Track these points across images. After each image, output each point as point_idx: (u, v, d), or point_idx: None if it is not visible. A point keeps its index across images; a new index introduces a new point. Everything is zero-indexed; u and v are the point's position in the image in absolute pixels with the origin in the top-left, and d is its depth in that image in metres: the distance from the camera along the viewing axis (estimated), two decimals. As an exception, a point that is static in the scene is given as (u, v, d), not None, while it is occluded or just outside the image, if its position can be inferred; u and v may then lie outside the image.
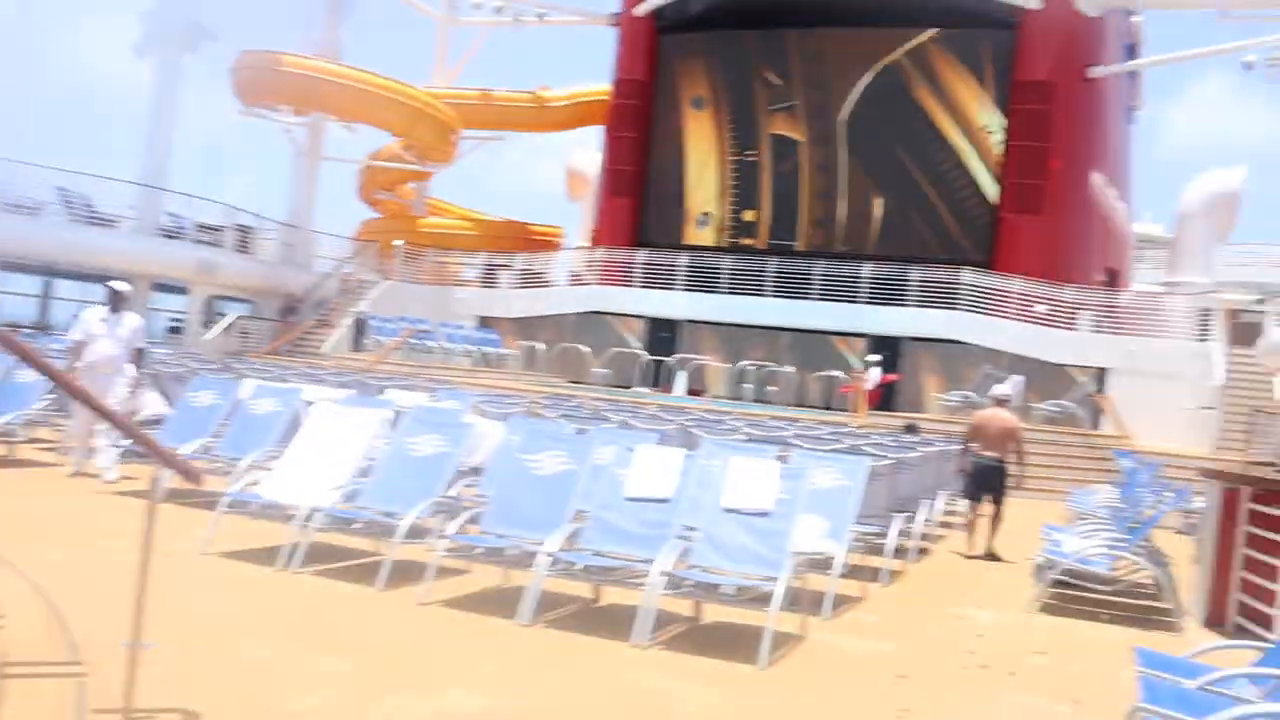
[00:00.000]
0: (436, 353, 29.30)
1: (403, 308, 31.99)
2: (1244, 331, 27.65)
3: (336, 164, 38.23)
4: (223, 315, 31.94)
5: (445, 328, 30.75)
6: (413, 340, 28.47)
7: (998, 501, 12.46)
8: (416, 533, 7.96)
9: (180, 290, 31.26)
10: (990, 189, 32.16)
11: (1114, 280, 35.82)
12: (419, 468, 8.67)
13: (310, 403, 10.85)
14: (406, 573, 7.83)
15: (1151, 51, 38.20)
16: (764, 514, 7.50)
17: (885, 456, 10.35)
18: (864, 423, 22.00)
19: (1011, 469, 12.62)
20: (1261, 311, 29.91)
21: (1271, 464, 20.12)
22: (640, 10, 35.59)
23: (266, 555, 8.15)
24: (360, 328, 31.32)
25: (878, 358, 27.10)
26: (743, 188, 34.33)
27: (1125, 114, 38.74)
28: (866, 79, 33.11)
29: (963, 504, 13.04)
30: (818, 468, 8.60)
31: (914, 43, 32.66)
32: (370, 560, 8.46)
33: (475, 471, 9.77)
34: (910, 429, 17.76)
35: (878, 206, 32.92)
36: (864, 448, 11.50)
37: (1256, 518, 9.30)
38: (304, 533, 8.03)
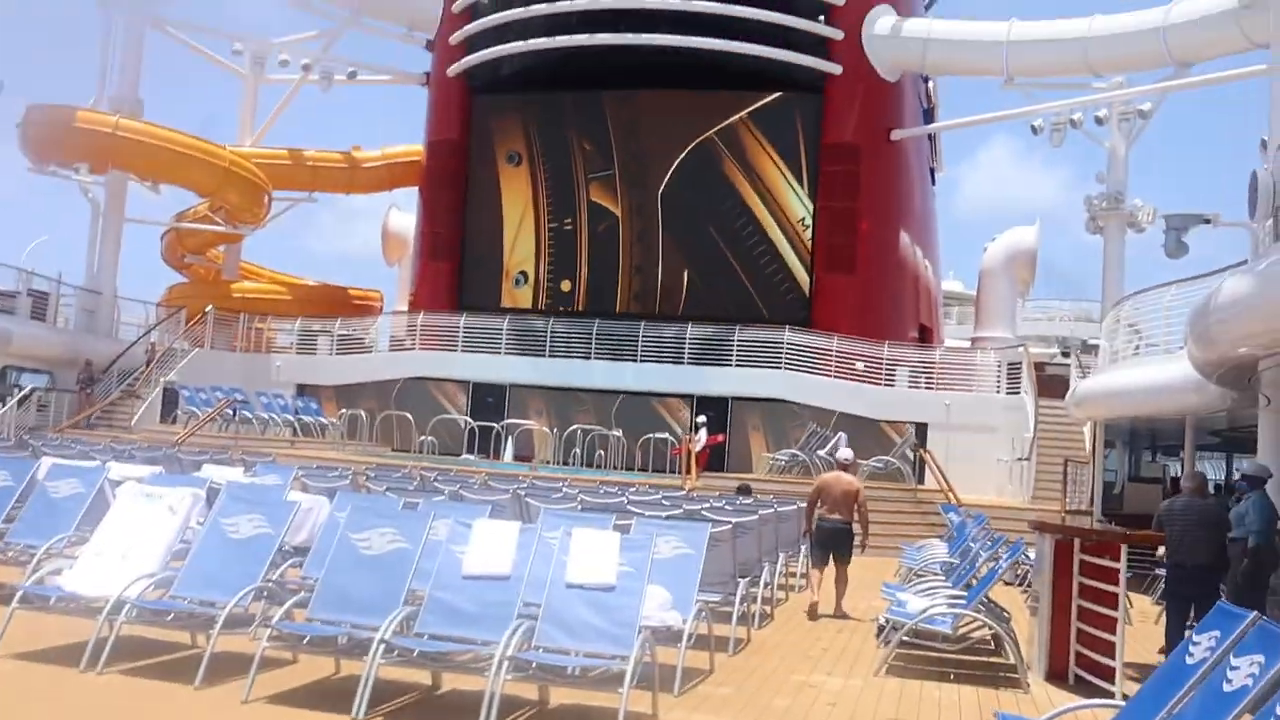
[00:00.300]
0: (254, 424, 28.06)
1: (216, 376, 30.62)
2: (1050, 384, 28.85)
3: (140, 225, 36.64)
4: (19, 388, 30.01)
5: (261, 397, 29.54)
6: (228, 411, 27.21)
7: (843, 562, 12.66)
8: (237, 622, 7.39)
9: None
10: (797, 260, 32.78)
11: (926, 336, 37.06)
12: (238, 551, 8.07)
13: (117, 481, 10.07)
14: (228, 666, 7.22)
15: (946, 116, 40.06)
16: (609, 588, 7.22)
17: (724, 521, 10.18)
18: (696, 485, 21.95)
19: (856, 530, 12.82)
20: (1065, 364, 31.34)
21: (1088, 512, 20.88)
22: (452, 71, 35.34)
23: (69, 654, 7.42)
24: (170, 398, 29.82)
25: (704, 419, 27.21)
26: (559, 256, 34.05)
27: (927, 175, 40.36)
28: (681, 155, 33.39)
29: (803, 564, 13.05)
30: (659, 537, 8.36)
31: (725, 122, 33.17)
32: (187, 654, 7.83)
33: (299, 552, 9.20)
34: (743, 490, 17.74)
35: (696, 276, 33.17)
36: (702, 512, 11.33)
37: (1088, 569, 9.46)
38: (111, 627, 7.32)
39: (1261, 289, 9.03)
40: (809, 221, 32.51)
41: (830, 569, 12.70)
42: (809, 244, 32.57)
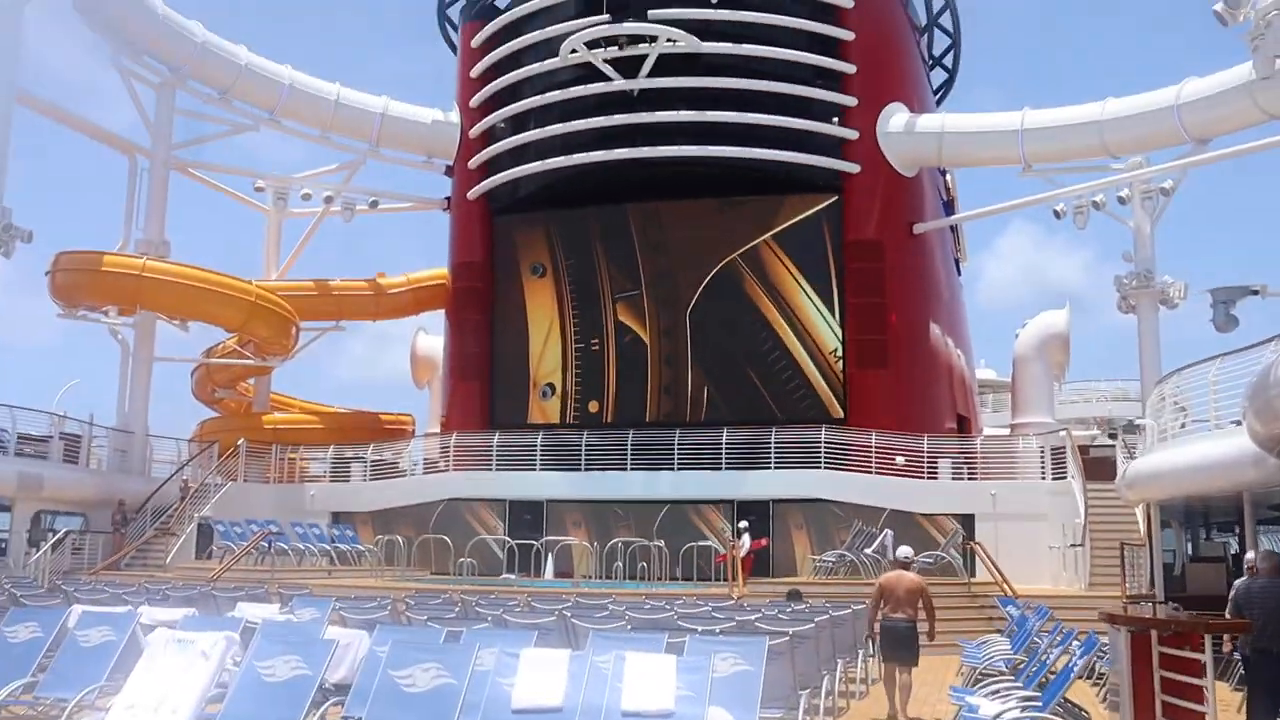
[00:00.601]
0: (289, 555, 27.73)
1: (250, 509, 30.43)
2: (1096, 467, 28.22)
3: (170, 364, 36.78)
4: (53, 532, 29.86)
5: (297, 527, 29.26)
6: (263, 544, 26.92)
7: (910, 665, 12.42)
8: (277, 772, 6.96)
9: (3, 507, 29.14)
10: (826, 386, 32.51)
11: (964, 426, 36.55)
12: (276, 694, 7.71)
13: (150, 626, 9.76)
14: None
15: (966, 206, 40.11)
16: (668, 715, 6.80)
17: (780, 631, 9.73)
18: (744, 593, 21.38)
19: (921, 628, 12.63)
20: (1110, 445, 30.73)
21: (1149, 596, 20.16)
22: (473, 194, 35.70)
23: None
24: (205, 534, 29.59)
25: (746, 524, 26.70)
26: (586, 376, 33.81)
27: (952, 266, 40.21)
28: (708, 277, 33.30)
29: (862, 669, 12.57)
30: (715, 654, 7.94)
31: (751, 244, 33.16)
32: (224, 809, 7.38)
33: (340, 690, 8.80)
34: (794, 596, 17.22)
35: (725, 393, 32.85)
36: (755, 623, 10.87)
37: (1168, 661, 8.95)
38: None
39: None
40: (840, 353, 32.19)
41: (902, 672, 12.47)
42: (841, 376, 32.24)
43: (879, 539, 26.48)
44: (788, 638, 9.30)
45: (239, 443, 32.99)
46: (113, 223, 37.10)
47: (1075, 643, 10.32)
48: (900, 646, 12.44)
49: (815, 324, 32.62)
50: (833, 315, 32.43)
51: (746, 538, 25.81)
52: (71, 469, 30.11)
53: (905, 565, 13.41)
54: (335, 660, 8.79)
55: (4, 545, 29.43)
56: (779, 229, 33.10)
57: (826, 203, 32.93)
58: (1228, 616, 12.85)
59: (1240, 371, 17.04)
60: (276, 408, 39.28)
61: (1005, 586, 21.87)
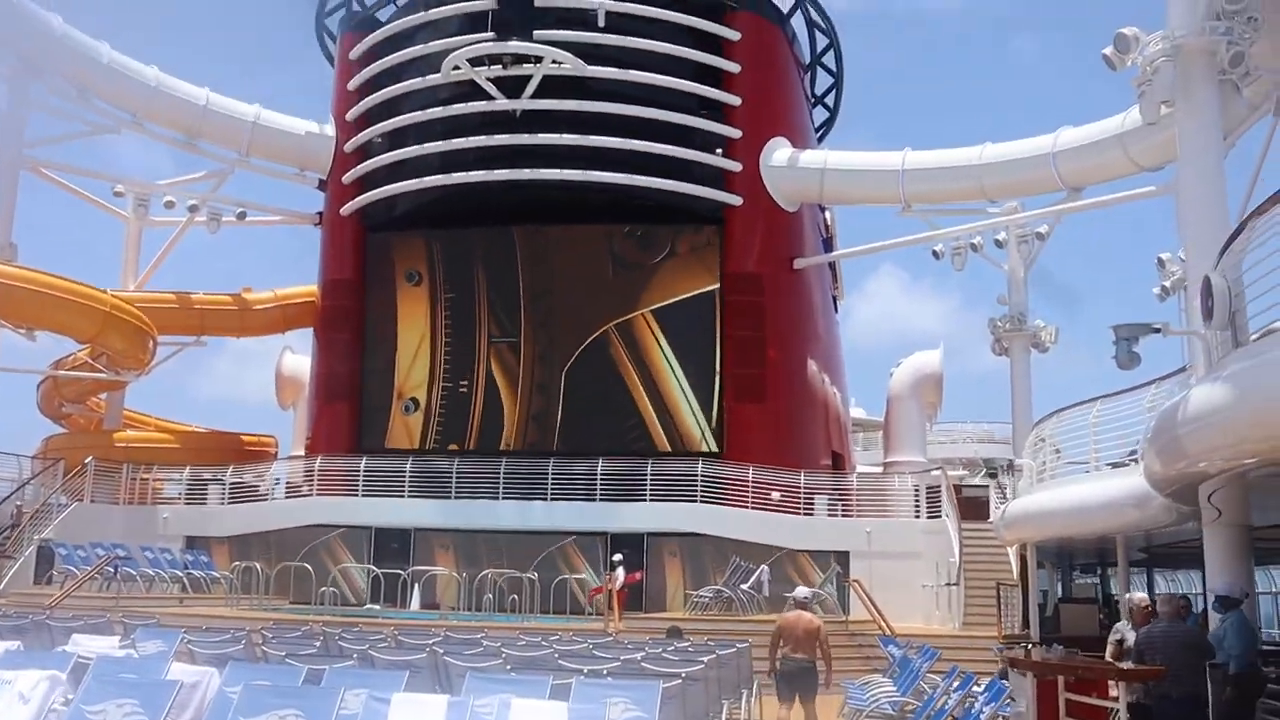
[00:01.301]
0: (138, 581, 26.07)
1: (97, 532, 28.60)
2: (969, 506, 28.37)
3: (13, 374, 34.64)
4: None
5: (147, 552, 27.58)
6: (108, 569, 25.26)
7: (810, 701, 12.70)
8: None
9: None
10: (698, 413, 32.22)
11: (839, 463, 36.59)
12: (108, 744, 6.75)
13: (-34, 662, 8.64)
14: None
15: (844, 244, 40.30)
16: (559, 768, 6.09)
17: (673, 674, 9.09)
18: (620, 629, 20.69)
19: (820, 668, 12.90)
20: (982, 486, 30.97)
21: (1024, 636, 20.09)
22: (346, 210, 34.53)
23: None
24: (46, 557, 27.67)
25: (620, 557, 26.05)
26: (449, 418, 32.78)
27: (830, 303, 40.40)
28: (586, 341, 32.64)
29: (746, 709, 12.17)
30: (608, 701, 7.26)
31: (628, 316, 32.63)
32: None
33: (184, 737, 7.87)
34: (674, 633, 16.63)
35: (599, 422, 32.18)
36: (641, 664, 10.21)
37: (1076, 708, 8.58)
38: None
39: (1239, 397, 8.43)
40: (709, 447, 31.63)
41: (797, 708, 12.71)
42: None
43: (756, 575, 26.10)
44: (680, 680, 8.66)
45: (87, 461, 31.09)
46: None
47: (975, 687, 9.91)
48: (799, 683, 12.68)
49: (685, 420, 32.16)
50: (707, 420, 32.02)
51: (620, 571, 25.14)
52: (-102, 484, 27.95)
53: (804, 605, 13.54)
54: (179, 703, 7.86)
55: None
56: (657, 305, 32.67)
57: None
58: (1108, 658, 12.72)
59: (1121, 413, 17.11)
60: (130, 425, 37.30)
61: (884, 625, 21.61)
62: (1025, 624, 22.49)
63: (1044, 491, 19.42)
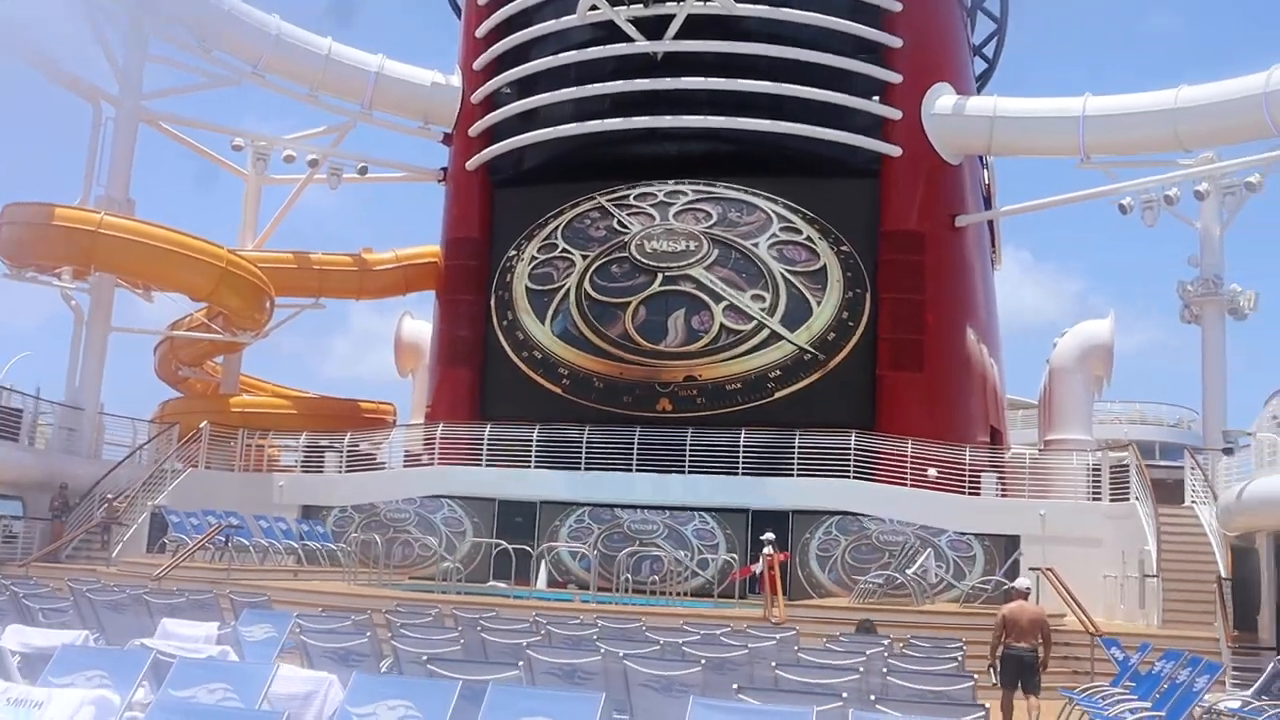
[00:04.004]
0: (251, 552, 24.37)
1: (211, 499, 26.96)
2: (1164, 491, 25.18)
3: (132, 340, 33.35)
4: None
5: (261, 521, 25.87)
6: (219, 538, 23.60)
7: (1035, 691, 12.68)
8: None
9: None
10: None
11: (997, 440, 33.53)
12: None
13: (18, 654, 6.55)
14: None
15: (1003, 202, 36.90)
16: None
17: (977, 705, 6.53)
18: (784, 616, 18.18)
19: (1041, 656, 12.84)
20: (1175, 466, 27.79)
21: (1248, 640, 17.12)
22: (472, 164, 32.53)
23: None
24: (158, 525, 26.16)
25: (771, 536, 23.50)
26: (578, 385, 30.22)
27: (989, 267, 37.19)
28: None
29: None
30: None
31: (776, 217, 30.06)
32: None
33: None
34: (866, 627, 14.14)
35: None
36: (907, 682, 7.68)
37: None
38: None
39: None
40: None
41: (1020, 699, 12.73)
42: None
43: (921, 559, 23.39)
44: (983, 712, 6.14)
45: (202, 425, 29.60)
46: (73, 177, 33.50)
47: None
48: (1025, 673, 12.66)
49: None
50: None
51: (767, 551, 22.61)
52: (7, 446, 26.61)
53: (1024, 595, 13.51)
54: (293, 715, 5.59)
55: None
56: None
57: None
58: None
59: None
60: (246, 390, 35.95)
61: (1087, 623, 18.70)
62: (1238, 625, 19.44)
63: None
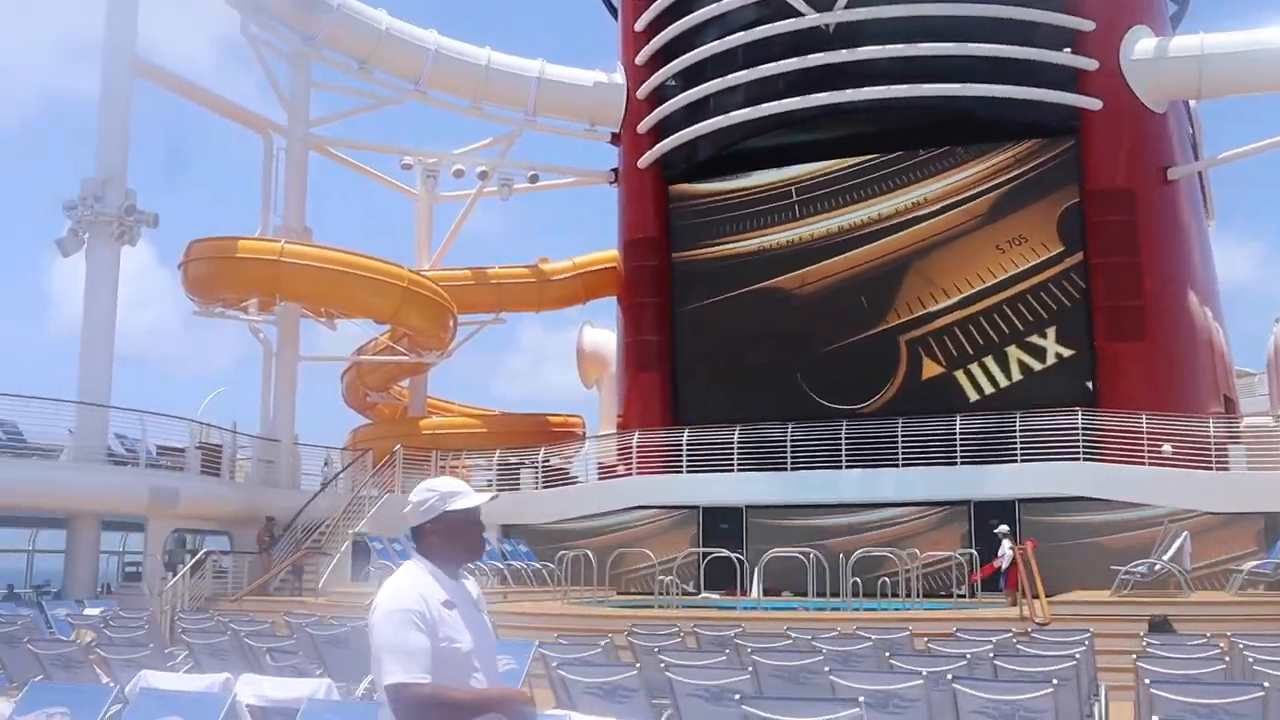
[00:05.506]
0: (456, 575, 23.63)
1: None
2: None
3: (316, 365, 33.34)
4: (191, 553, 26.54)
5: (463, 543, 25.15)
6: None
7: None
8: None
9: (136, 527, 25.91)
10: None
11: (1230, 410, 30.80)
12: None
13: (255, 709, 5.53)
14: None
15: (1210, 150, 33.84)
16: None
17: None
18: (1050, 616, 16.41)
19: None
20: None
21: None
22: (644, 162, 31.50)
23: None
24: (361, 552, 25.73)
25: (1005, 528, 21.67)
26: (773, 382, 29.25)
27: (1204, 223, 34.31)
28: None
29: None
30: None
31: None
32: None
33: None
34: (1161, 625, 12.32)
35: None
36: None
37: None
38: None
39: None
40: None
41: None
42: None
43: (1177, 543, 21.18)
44: None
45: (395, 449, 29.22)
46: (250, 210, 33.79)
47: None
48: None
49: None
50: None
51: (1006, 544, 20.80)
52: (211, 482, 26.61)
53: None
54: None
55: (139, 569, 26.19)
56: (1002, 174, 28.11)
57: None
58: None
59: None
60: (433, 412, 35.65)
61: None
62: None
63: None
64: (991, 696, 6.26)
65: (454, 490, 4.12)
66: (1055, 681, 6.32)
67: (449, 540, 4.10)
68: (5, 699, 7.75)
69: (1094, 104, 27.82)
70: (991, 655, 8.49)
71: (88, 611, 15.47)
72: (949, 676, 6.58)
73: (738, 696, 5.90)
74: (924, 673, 6.63)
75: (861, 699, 5.55)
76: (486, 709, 3.84)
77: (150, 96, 29.41)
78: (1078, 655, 8.15)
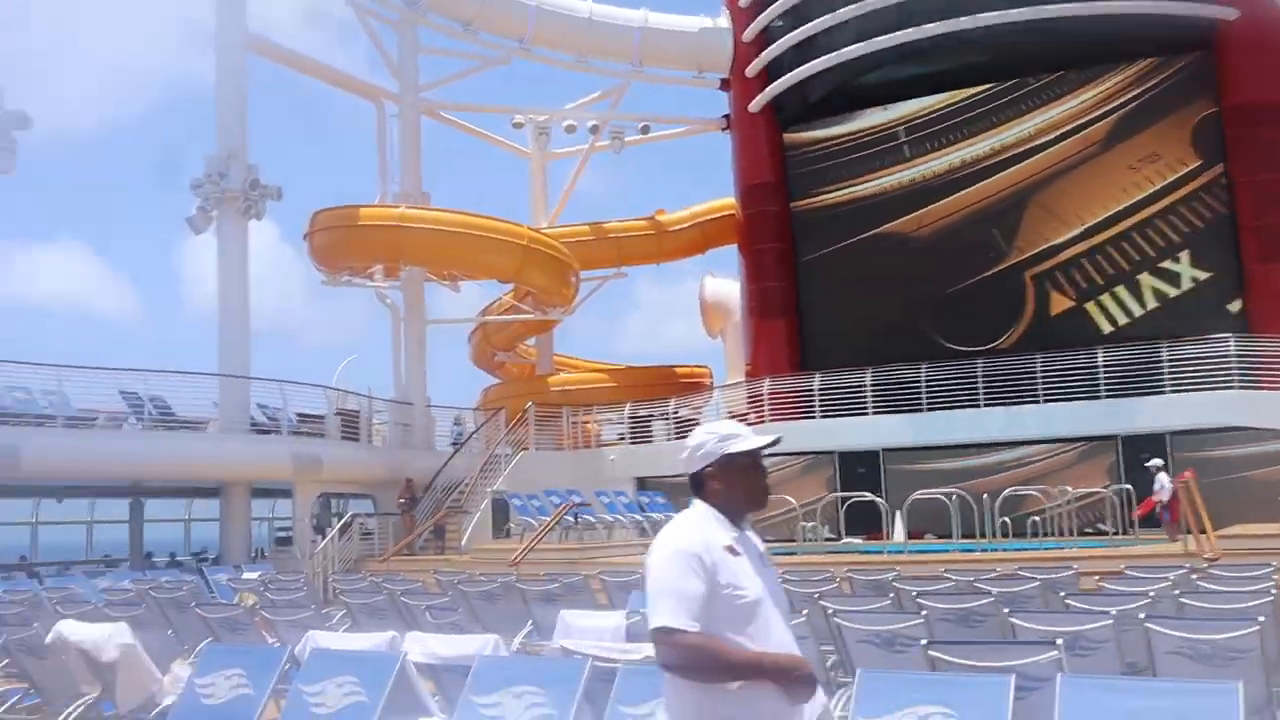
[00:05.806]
0: (597, 528, 23.83)
1: (545, 479, 26.57)
2: None
3: (444, 328, 33.76)
4: (339, 516, 27.23)
5: (601, 496, 25.32)
6: (568, 517, 23.17)
7: None
8: None
9: (284, 493, 26.63)
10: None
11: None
12: None
13: (425, 666, 5.50)
14: None
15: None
16: None
17: None
18: (1220, 551, 15.75)
19: None
20: None
21: None
22: (755, 106, 30.91)
23: None
24: (500, 510, 26.04)
25: (1159, 461, 20.86)
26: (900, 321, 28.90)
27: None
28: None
29: None
30: None
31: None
32: None
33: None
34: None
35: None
36: None
37: None
38: None
39: None
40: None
41: None
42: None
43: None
44: None
45: (527, 407, 29.41)
46: (368, 180, 34.21)
47: None
48: None
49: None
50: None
51: (1164, 477, 20.01)
52: (350, 447, 27.17)
53: None
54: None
55: (289, 534, 26.92)
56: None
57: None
58: None
59: None
60: (561, 369, 35.83)
61: None
62: None
63: None
64: (1190, 635, 5.90)
65: (733, 432, 3.80)
66: (1261, 618, 5.92)
67: (729, 486, 3.77)
68: (180, 660, 7.94)
69: (1230, 13, 26.41)
70: (1176, 593, 8.07)
71: (246, 575, 15.86)
72: (1140, 616, 6.23)
73: (924, 642, 5.63)
74: (1113, 611, 6.30)
75: (1059, 640, 5.24)
76: (759, 674, 3.51)
77: (264, 73, 29.85)
78: (1274, 590, 7.68)
